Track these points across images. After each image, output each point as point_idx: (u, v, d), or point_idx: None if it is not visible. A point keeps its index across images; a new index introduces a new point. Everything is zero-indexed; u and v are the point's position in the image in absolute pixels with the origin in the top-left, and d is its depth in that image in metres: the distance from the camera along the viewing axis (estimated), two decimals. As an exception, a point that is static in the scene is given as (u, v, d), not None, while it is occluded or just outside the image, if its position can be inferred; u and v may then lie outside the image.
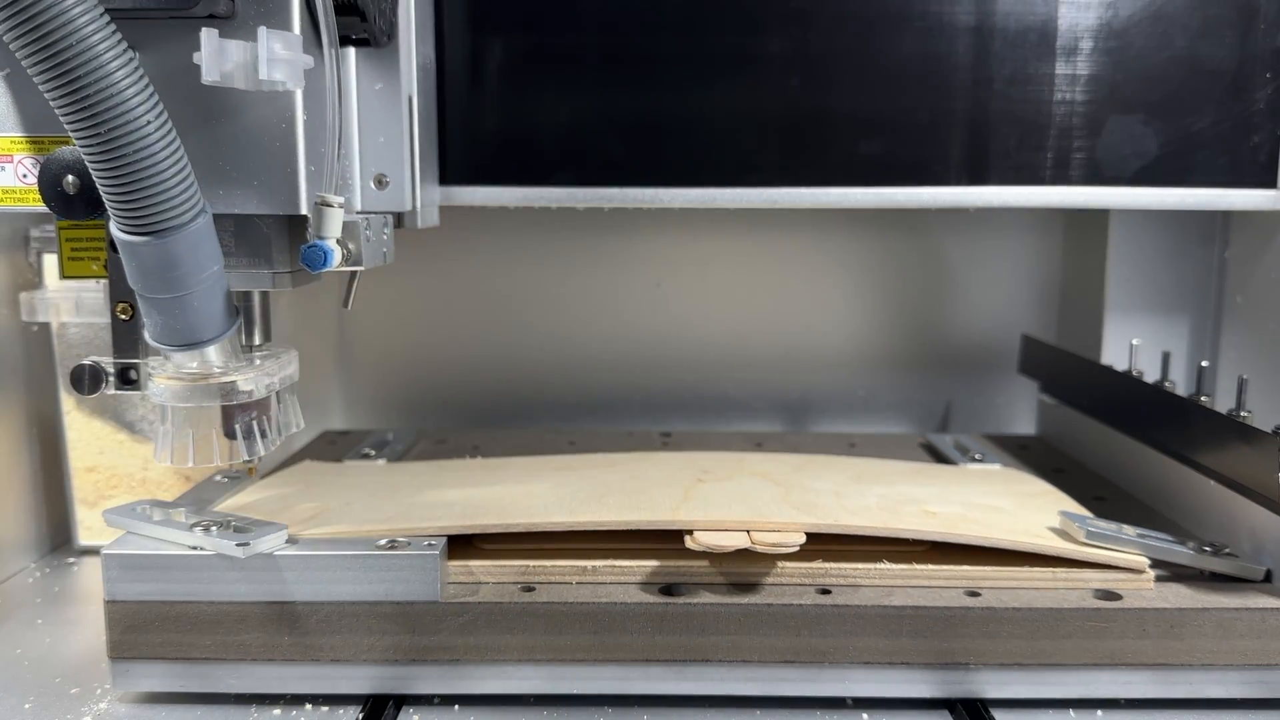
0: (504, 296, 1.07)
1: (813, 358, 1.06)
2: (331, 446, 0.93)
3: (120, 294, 0.60)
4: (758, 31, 0.75)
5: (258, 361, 0.60)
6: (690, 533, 0.63)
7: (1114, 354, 0.95)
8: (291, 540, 0.61)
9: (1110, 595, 0.62)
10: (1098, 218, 0.97)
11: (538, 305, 1.07)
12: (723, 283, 1.05)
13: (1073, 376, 0.93)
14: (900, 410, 1.07)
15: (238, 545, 0.59)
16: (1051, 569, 0.63)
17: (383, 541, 0.61)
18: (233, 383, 0.58)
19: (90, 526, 0.82)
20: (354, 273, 0.62)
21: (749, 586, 0.62)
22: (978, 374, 1.06)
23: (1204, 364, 0.79)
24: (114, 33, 0.48)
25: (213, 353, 0.56)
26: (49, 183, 0.55)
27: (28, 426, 0.80)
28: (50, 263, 0.80)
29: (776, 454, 0.85)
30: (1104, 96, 0.76)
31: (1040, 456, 0.93)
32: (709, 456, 0.83)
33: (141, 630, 0.60)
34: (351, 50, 0.63)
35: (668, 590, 0.62)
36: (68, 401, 0.80)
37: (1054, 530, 0.66)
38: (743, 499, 0.68)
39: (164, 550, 0.61)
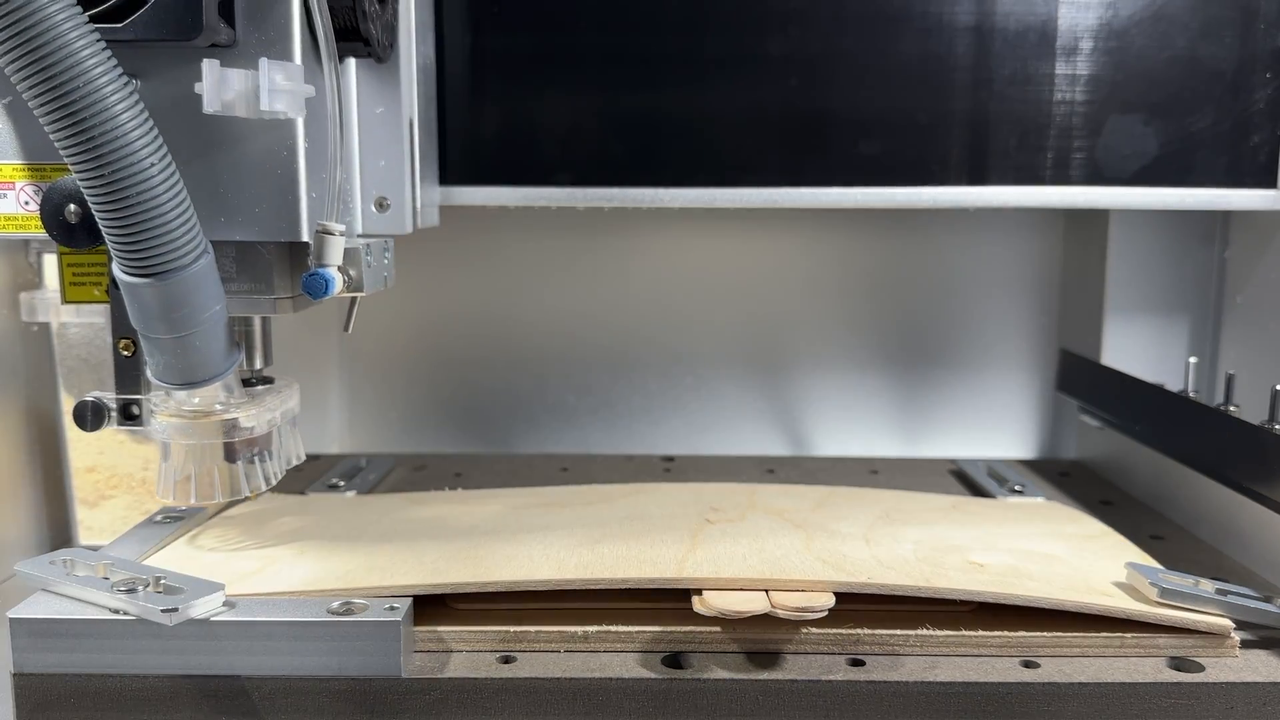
0: (500, 299, 1.02)
1: (812, 357, 1.01)
2: (297, 473, 0.84)
3: (122, 330, 0.59)
4: (757, 31, 0.75)
5: (259, 396, 0.60)
6: (699, 592, 0.54)
7: (1114, 355, 0.92)
8: (229, 603, 0.53)
9: (1189, 665, 0.53)
10: (1098, 218, 0.94)
11: (535, 308, 1.02)
12: (722, 282, 1.01)
13: (1120, 397, 0.85)
14: (900, 410, 1.02)
15: (164, 611, 0.50)
16: (1120, 633, 0.54)
17: (336, 604, 0.52)
18: (234, 419, 0.58)
19: (90, 526, 0.80)
20: (354, 298, 0.61)
21: (768, 657, 0.53)
22: (978, 374, 1.02)
23: (1278, 387, 0.70)
24: (118, 72, 0.47)
25: (214, 390, 0.56)
26: (51, 212, 0.54)
27: (28, 426, 0.79)
28: (50, 263, 0.77)
29: (793, 486, 0.77)
30: (1104, 96, 0.76)
31: (1083, 486, 0.85)
32: (717, 489, 0.74)
33: (55, 708, 0.52)
34: (353, 73, 0.62)
35: (672, 661, 0.53)
36: (68, 401, 0.78)
37: (1119, 585, 0.57)
38: (759, 548, 0.59)
39: (82, 614, 0.52)
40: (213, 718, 0.52)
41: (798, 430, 1.02)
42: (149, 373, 0.56)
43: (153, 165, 0.48)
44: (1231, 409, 0.75)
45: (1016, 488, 0.79)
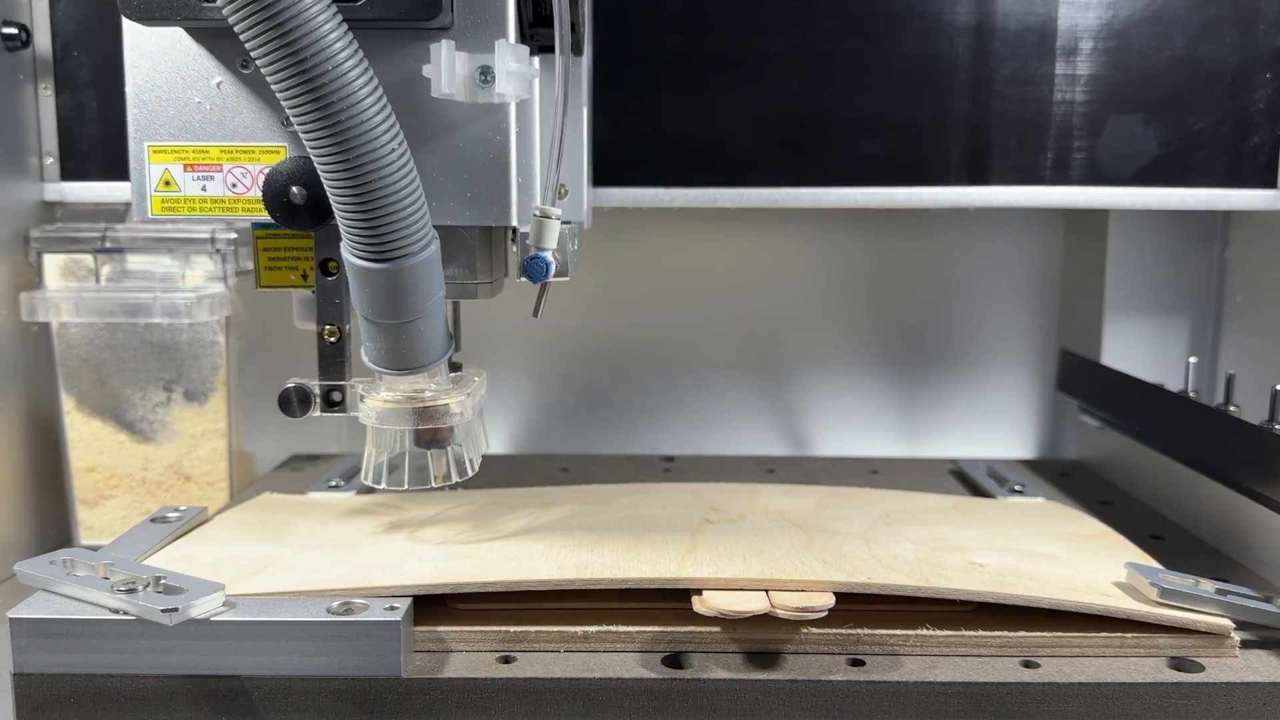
0: (499, 299, 1.00)
1: (812, 357, 1.01)
2: (297, 474, 0.85)
3: (327, 316, 0.59)
4: (757, 32, 0.75)
5: (462, 381, 0.60)
6: (699, 592, 0.54)
7: (1114, 355, 0.92)
8: (229, 603, 0.52)
9: (1189, 665, 0.53)
10: (1098, 218, 0.94)
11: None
12: (722, 282, 1.01)
13: (1120, 397, 0.85)
14: (900, 410, 1.02)
15: (164, 611, 0.50)
16: (1120, 633, 0.54)
17: (336, 604, 0.52)
18: (445, 405, 0.57)
19: (90, 526, 0.80)
20: (545, 284, 0.60)
21: (768, 657, 0.53)
22: (978, 374, 1.02)
23: (1278, 387, 0.70)
24: (360, 56, 0.47)
25: (423, 375, 0.56)
26: (274, 193, 0.54)
27: (28, 426, 0.78)
28: (50, 263, 0.77)
29: (792, 486, 0.77)
30: (1104, 96, 0.76)
31: (1083, 486, 0.84)
32: (716, 489, 0.74)
33: (55, 708, 0.52)
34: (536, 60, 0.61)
35: (672, 661, 0.53)
36: (68, 401, 0.79)
37: (1119, 585, 0.57)
38: (759, 548, 0.59)
39: (82, 614, 0.52)
40: (213, 718, 0.51)
41: (798, 430, 1.02)
42: (365, 357, 0.56)
43: (393, 151, 0.48)
44: (1231, 409, 0.75)
45: (1016, 488, 0.79)
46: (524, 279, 0.58)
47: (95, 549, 0.60)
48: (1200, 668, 0.53)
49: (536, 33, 0.56)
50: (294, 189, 0.53)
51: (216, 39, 0.55)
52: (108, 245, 0.77)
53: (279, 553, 0.61)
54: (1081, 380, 0.93)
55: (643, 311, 1.00)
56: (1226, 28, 0.76)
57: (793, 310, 1.00)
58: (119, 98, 0.77)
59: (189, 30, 0.55)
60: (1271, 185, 0.77)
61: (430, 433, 0.58)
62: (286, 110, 0.48)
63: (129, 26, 0.55)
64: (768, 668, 0.52)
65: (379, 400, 0.57)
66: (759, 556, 0.58)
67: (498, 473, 0.85)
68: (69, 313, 0.76)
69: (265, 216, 0.56)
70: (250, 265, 0.78)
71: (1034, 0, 0.75)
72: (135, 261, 0.77)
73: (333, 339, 0.59)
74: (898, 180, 0.77)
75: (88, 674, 0.52)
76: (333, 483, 0.79)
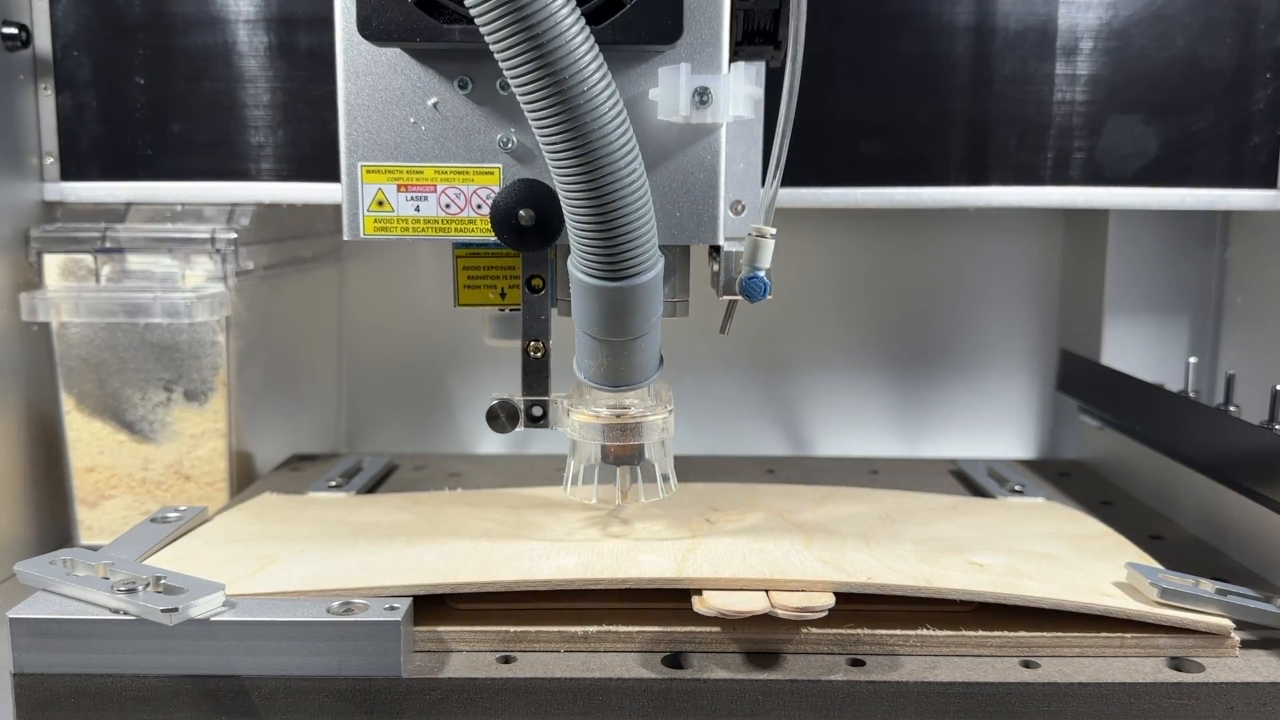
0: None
1: (812, 357, 1.02)
2: (297, 474, 0.85)
3: (534, 332, 0.60)
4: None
5: (662, 399, 0.61)
6: (699, 592, 0.54)
7: (1114, 355, 0.92)
8: (230, 603, 0.52)
9: (1189, 665, 0.53)
10: (1098, 218, 0.94)
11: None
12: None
13: (1120, 397, 0.85)
14: (901, 410, 1.02)
15: (164, 611, 0.50)
16: (1120, 634, 0.54)
17: (336, 604, 0.52)
18: (652, 421, 0.59)
19: (90, 526, 0.80)
20: (734, 301, 0.61)
21: (768, 657, 0.53)
22: (978, 374, 1.02)
23: (1278, 387, 0.70)
24: (609, 78, 0.47)
25: (628, 393, 0.57)
26: (503, 215, 0.54)
27: (28, 426, 0.78)
28: (50, 263, 0.77)
29: (792, 486, 0.77)
30: (1104, 96, 0.77)
31: (1083, 486, 0.84)
32: (716, 489, 0.74)
33: (55, 708, 0.52)
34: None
35: (672, 661, 0.53)
36: (68, 401, 0.79)
37: (1119, 585, 0.57)
38: (759, 548, 0.59)
39: (82, 614, 0.52)
40: (213, 718, 0.51)
41: (798, 430, 1.02)
42: (579, 373, 0.56)
43: (634, 171, 0.49)
44: (1231, 409, 0.75)
45: (1016, 488, 0.79)
46: (740, 298, 0.58)
47: (95, 549, 0.60)
48: (1200, 668, 0.53)
49: (743, 49, 0.56)
50: (521, 212, 0.54)
51: (437, 59, 0.55)
52: (108, 245, 0.77)
53: (279, 553, 0.61)
54: (1081, 380, 0.93)
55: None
56: (1226, 28, 0.76)
57: (793, 310, 1.00)
58: (119, 98, 0.78)
59: (409, 51, 0.55)
60: (1271, 185, 0.77)
61: (624, 449, 0.59)
62: (536, 131, 0.48)
63: (345, 45, 0.55)
64: (768, 668, 0.52)
65: (586, 416, 0.59)
66: (759, 556, 0.58)
67: (498, 472, 0.85)
68: (69, 313, 0.76)
69: (475, 236, 0.56)
70: (250, 265, 0.79)
71: (1034, 0, 0.75)
72: (135, 261, 0.77)
73: (538, 354, 0.60)
74: (898, 180, 0.77)
75: (87, 674, 0.52)
76: (333, 483, 0.79)
